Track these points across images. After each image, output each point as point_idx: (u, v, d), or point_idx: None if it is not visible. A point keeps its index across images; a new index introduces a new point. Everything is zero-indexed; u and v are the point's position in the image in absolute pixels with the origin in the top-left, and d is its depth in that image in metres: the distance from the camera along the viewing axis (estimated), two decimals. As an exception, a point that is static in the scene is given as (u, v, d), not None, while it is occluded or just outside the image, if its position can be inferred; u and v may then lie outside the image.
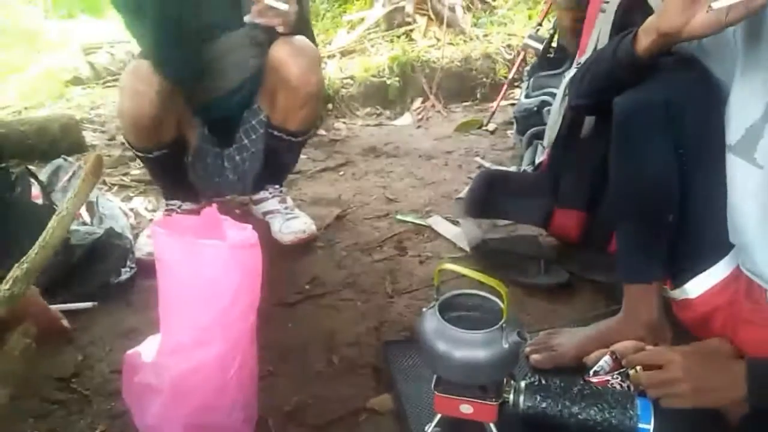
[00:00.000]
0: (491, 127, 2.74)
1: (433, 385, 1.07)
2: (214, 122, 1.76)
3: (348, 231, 1.88)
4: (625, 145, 1.16)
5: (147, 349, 1.04)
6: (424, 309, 1.09)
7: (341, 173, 2.30)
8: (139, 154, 1.68)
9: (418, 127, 2.85)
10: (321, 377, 1.26)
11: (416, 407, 1.14)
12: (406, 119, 2.93)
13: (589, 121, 1.59)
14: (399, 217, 1.94)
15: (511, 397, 1.07)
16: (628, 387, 1.09)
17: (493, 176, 1.75)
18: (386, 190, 2.14)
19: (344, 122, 2.83)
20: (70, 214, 1.00)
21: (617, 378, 1.10)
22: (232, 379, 0.99)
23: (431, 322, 1.05)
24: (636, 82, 1.14)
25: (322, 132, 2.67)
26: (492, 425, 1.05)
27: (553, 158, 1.71)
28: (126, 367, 1.05)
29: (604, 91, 1.21)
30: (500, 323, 1.02)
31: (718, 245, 1.17)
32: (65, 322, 1.29)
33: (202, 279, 0.94)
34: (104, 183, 2.17)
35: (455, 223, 1.83)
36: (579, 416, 1.03)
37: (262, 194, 1.86)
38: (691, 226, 1.18)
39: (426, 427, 1.09)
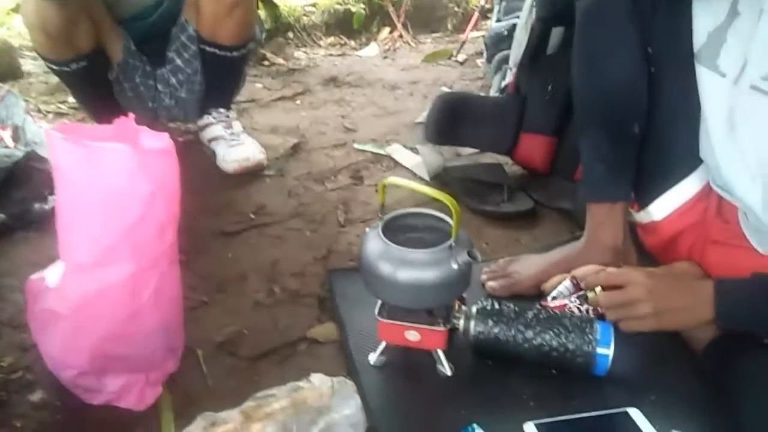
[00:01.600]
0: (461, 57, 2.60)
1: (376, 311, 0.97)
2: (138, 36, 1.59)
3: (302, 161, 1.75)
4: (588, 44, 1.05)
5: (52, 274, 0.92)
6: (367, 229, 0.98)
7: (298, 102, 2.16)
8: (54, 67, 1.51)
9: (384, 57, 2.69)
10: (259, 308, 1.16)
11: (360, 336, 1.04)
12: (372, 50, 2.77)
13: (556, 34, 1.47)
14: (357, 146, 1.82)
15: (461, 322, 0.98)
16: (587, 311, 1.01)
17: (454, 99, 1.63)
18: (345, 120, 2.01)
19: (305, 51, 2.66)
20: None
21: (575, 302, 1.02)
22: (146, 305, 0.88)
23: (374, 243, 0.94)
24: None
25: (280, 61, 2.51)
26: (440, 353, 0.97)
27: (519, 79, 1.59)
28: (29, 294, 0.93)
29: None
30: (449, 242, 0.92)
31: (686, 161, 1.08)
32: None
33: (103, 189, 0.81)
34: (39, 111, 2.00)
35: (416, 151, 1.72)
36: (534, 342, 0.95)
37: (206, 119, 1.72)
38: (658, 139, 1.08)
39: (370, 356, 1.00)
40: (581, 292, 1.03)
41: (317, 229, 1.43)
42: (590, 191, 1.14)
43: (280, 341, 1.07)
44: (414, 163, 1.69)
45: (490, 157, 1.66)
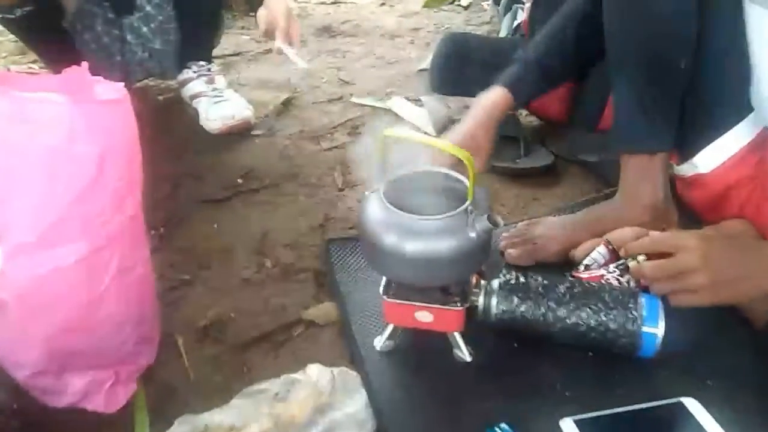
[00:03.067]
0: (465, 2, 2.40)
1: (381, 290, 0.83)
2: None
3: (294, 118, 1.59)
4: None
5: (-3, 256, 0.77)
6: (366, 193, 0.83)
7: (289, 55, 1.98)
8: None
9: (382, 4, 2.48)
10: (248, 285, 1.02)
11: (364, 317, 0.90)
12: (368, -4, 2.56)
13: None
14: (354, 99, 1.65)
15: (481, 299, 0.84)
16: (628, 282, 0.86)
17: (461, 42, 1.45)
18: (341, 72, 1.83)
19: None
20: None
21: (614, 272, 0.88)
22: (108, 290, 0.74)
23: (375, 209, 0.79)
24: None
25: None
26: (457, 336, 0.83)
27: (534, 17, 1.41)
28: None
29: None
30: (465, 205, 0.77)
31: (736, 108, 0.93)
32: None
33: (41, 151, 0.66)
34: (8, 70, 1.83)
35: (419, 103, 1.55)
36: (567, 321, 0.81)
37: (186, 74, 1.55)
38: (704, 83, 0.93)
39: (375, 341, 0.86)
40: (620, 262, 0.88)
41: (313, 193, 1.28)
42: (626, 141, 0.99)
43: (272, 325, 0.93)
44: (418, 115, 1.52)
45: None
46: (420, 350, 0.85)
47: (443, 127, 1.45)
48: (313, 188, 1.29)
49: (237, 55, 1.95)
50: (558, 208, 1.18)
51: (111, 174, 0.70)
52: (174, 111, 1.61)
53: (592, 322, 0.80)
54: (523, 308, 0.82)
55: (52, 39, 1.37)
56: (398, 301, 0.82)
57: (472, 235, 0.75)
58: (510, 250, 1.02)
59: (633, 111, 0.96)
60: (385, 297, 0.82)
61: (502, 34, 1.73)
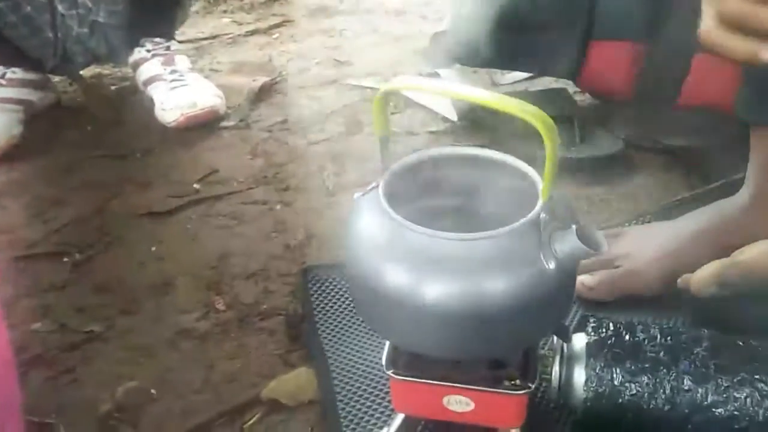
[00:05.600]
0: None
1: (384, 360, 0.49)
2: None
3: (275, 106, 1.25)
4: None
5: None
6: (356, 194, 0.49)
7: (275, 36, 1.65)
8: None
9: (386, -18, 2.15)
10: (187, 340, 0.68)
11: (359, 395, 0.56)
12: (371, -27, 2.23)
13: None
14: (351, 81, 1.31)
15: (556, 373, 0.49)
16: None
17: (490, -3, 1.10)
18: (336, 52, 1.50)
19: (286, -21, 2.13)
20: None
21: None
22: None
23: (370, 222, 0.45)
24: None
25: (254, -9, 1.99)
26: (516, 434, 0.48)
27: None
28: None
29: None
30: (536, 210, 0.42)
31: None
32: None
33: None
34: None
35: (435, 75, 1.21)
36: (714, 410, 0.46)
37: (139, 54, 1.22)
38: None
39: (377, 439, 0.52)
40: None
41: (293, 200, 0.94)
42: (764, 109, 0.64)
43: (214, 408, 0.59)
44: (434, 98, 1.18)
45: (541, 84, 1.15)
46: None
47: (470, 111, 1.11)
48: (293, 193, 0.95)
49: (213, 38, 1.63)
50: (640, 213, 0.83)
51: None
52: (127, 103, 1.29)
53: (761, 414, 0.45)
54: (633, 389, 0.47)
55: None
56: (414, 380, 0.47)
57: (550, 266, 0.41)
58: (582, 278, 0.67)
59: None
60: (391, 372, 0.48)
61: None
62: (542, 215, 0.41)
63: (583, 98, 1.12)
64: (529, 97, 1.13)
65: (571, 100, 1.07)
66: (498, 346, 0.43)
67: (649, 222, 0.78)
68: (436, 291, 0.41)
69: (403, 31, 1.61)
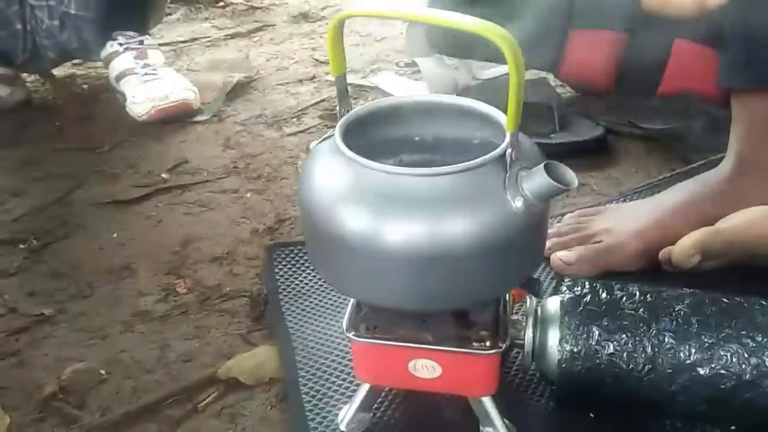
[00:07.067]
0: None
1: (345, 321, 0.45)
2: None
3: (252, 101, 1.22)
4: None
5: None
6: (313, 143, 0.46)
7: (255, 39, 1.63)
8: None
9: (369, -8, 2.16)
10: (142, 322, 0.63)
11: (322, 372, 0.52)
12: (354, -17, 2.24)
13: None
14: (330, 78, 1.29)
15: (530, 334, 0.45)
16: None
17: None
18: (315, 52, 1.48)
19: (269, -12, 2.13)
20: None
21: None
22: None
23: (327, 165, 0.42)
24: None
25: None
26: (487, 403, 0.44)
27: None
28: None
29: None
30: (502, 146, 0.39)
31: None
32: None
33: None
34: None
35: (413, 70, 1.20)
36: (699, 370, 0.42)
37: (112, 47, 1.19)
38: None
39: (339, 416, 0.48)
40: None
41: (264, 188, 0.90)
42: (747, 71, 0.62)
43: (165, 388, 0.54)
44: (414, 91, 1.16)
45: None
46: (419, 431, 0.46)
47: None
48: (266, 182, 0.92)
49: (192, 41, 1.61)
50: (618, 195, 0.80)
51: None
52: (99, 101, 1.25)
53: (749, 372, 0.42)
54: (611, 348, 0.43)
55: None
56: (376, 341, 0.44)
57: (518, 205, 0.38)
58: (562, 253, 0.64)
59: (755, 28, 0.60)
60: (351, 334, 0.44)
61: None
62: (509, 150, 0.38)
63: (564, 90, 1.11)
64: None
65: (551, 89, 1.05)
66: (464, 295, 0.40)
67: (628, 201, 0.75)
68: (395, 232, 0.37)
69: (385, 33, 1.61)
